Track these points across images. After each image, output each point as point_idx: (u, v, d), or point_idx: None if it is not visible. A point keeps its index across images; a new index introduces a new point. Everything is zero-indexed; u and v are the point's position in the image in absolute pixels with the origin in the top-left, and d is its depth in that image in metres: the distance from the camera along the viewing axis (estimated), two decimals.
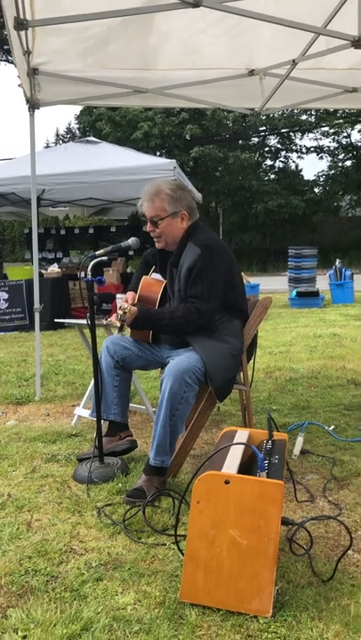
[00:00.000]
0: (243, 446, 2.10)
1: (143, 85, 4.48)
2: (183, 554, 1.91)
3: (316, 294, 10.26)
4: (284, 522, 1.96)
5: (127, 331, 2.90)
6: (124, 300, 2.96)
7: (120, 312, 2.67)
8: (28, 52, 3.88)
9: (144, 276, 3.11)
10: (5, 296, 8.19)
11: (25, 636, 1.69)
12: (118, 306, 2.75)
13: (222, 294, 2.80)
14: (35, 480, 2.84)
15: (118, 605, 1.83)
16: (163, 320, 2.80)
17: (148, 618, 1.77)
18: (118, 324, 2.69)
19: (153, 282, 3.08)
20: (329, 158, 26.74)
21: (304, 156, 27.96)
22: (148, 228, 2.93)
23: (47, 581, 1.97)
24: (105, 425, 3.04)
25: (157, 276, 3.12)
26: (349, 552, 2.11)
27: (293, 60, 4.04)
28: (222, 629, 1.72)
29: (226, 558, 1.80)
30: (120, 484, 2.73)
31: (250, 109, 5.04)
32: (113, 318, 2.73)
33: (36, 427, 3.73)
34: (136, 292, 3.05)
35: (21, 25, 3.16)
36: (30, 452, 3.22)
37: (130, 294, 3.04)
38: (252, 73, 4.41)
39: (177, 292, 2.89)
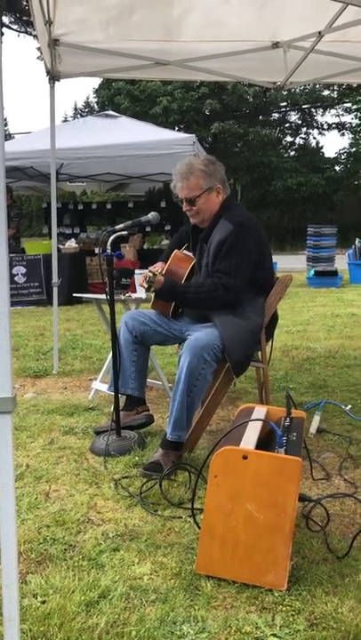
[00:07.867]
0: (261, 423, 2.11)
1: (165, 57, 4.40)
2: (199, 527, 1.93)
3: (334, 274, 10.15)
4: (301, 498, 1.97)
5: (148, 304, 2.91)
6: (154, 267, 2.97)
7: (150, 274, 2.68)
8: (49, 23, 3.83)
9: (175, 250, 3.11)
10: (23, 270, 8.21)
11: (44, 601, 1.72)
12: (148, 270, 2.76)
13: (250, 273, 2.77)
14: (52, 451, 2.87)
15: (135, 575, 1.86)
16: (188, 294, 2.79)
17: (165, 588, 1.79)
18: (146, 286, 2.70)
19: (183, 257, 3.08)
20: (351, 135, 26.23)
21: (325, 132, 27.46)
22: (184, 207, 2.89)
23: (65, 550, 2.01)
24: (122, 399, 3.06)
25: (188, 254, 3.11)
26: None
27: (319, 32, 3.93)
28: (237, 601, 1.74)
29: (242, 532, 1.82)
30: (137, 458, 2.75)
31: (273, 83, 4.94)
32: (141, 281, 2.74)
33: (54, 399, 3.76)
34: (166, 264, 3.04)
35: None
36: (48, 424, 3.26)
37: (159, 264, 3.04)
38: (276, 45, 4.31)
39: (204, 266, 2.87)
